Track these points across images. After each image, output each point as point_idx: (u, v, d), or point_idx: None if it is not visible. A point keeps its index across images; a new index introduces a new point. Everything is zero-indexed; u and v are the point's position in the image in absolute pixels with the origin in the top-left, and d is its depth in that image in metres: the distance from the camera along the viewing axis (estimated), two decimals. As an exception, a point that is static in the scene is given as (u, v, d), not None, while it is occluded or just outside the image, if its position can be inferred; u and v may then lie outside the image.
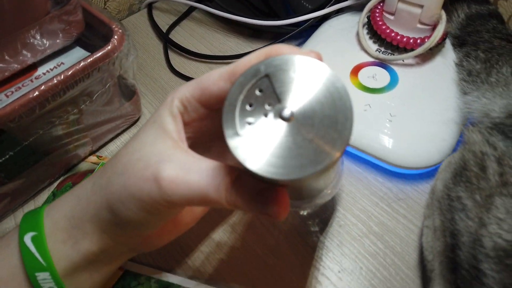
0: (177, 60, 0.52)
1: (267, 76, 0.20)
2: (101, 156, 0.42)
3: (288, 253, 0.35)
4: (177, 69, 0.50)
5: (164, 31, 0.55)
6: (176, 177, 0.22)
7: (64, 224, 0.26)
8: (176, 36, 0.55)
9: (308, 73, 0.20)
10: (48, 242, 0.26)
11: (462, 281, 0.25)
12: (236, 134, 0.19)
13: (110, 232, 0.26)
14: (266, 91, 0.20)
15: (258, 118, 0.20)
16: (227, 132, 0.19)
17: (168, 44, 0.53)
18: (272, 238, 0.36)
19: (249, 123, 0.20)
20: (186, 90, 0.25)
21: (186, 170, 0.22)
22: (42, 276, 0.25)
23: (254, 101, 0.20)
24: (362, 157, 0.39)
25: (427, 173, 0.38)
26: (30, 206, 0.39)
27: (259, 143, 0.19)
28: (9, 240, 0.26)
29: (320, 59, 0.22)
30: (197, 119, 0.26)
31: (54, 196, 0.39)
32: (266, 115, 0.20)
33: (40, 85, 0.30)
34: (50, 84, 0.31)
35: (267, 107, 0.20)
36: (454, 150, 0.37)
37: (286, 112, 0.19)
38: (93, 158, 0.42)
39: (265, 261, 0.34)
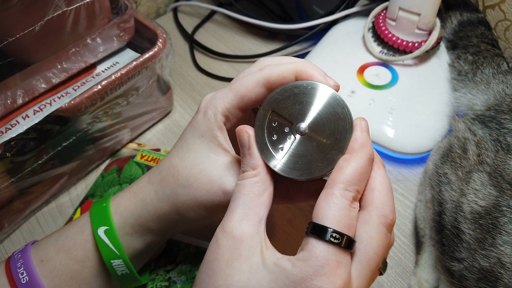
0: (202, 59, 0.58)
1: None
2: (140, 144, 0.49)
3: (303, 223, 0.41)
4: (202, 67, 0.57)
5: (189, 33, 0.61)
6: None
7: (131, 221, 0.32)
8: (200, 37, 0.61)
9: (323, 97, 0.26)
10: (117, 234, 0.31)
11: (446, 239, 0.32)
12: (275, 159, 0.26)
13: (176, 227, 0.32)
14: (279, 119, 0.26)
15: (284, 142, 0.26)
16: (269, 163, 0.26)
17: (194, 44, 0.60)
18: (289, 212, 0.42)
19: (281, 148, 0.26)
20: (225, 102, 0.30)
21: None
22: (116, 262, 0.31)
23: (274, 131, 0.26)
24: (366, 144, 0.46)
25: (421, 158, 0.44)
26: (82, 184, 0.45)
27: (290, 159, 0.26)
28: (82, 228, 0.32)
29: (338, 88, 0.27)
30: (235, 123, 0.31)
31: (102, 177, 0.45)
32: (289, 137, 0.26)
33: (102, 81, 0.37)
34: (110, 80, 0.37)
35: (286, 129, 0.26)
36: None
37: (302, 127, 0.26)
38: (133, 145, 0.48)
39: (283, 230, 0.41)
